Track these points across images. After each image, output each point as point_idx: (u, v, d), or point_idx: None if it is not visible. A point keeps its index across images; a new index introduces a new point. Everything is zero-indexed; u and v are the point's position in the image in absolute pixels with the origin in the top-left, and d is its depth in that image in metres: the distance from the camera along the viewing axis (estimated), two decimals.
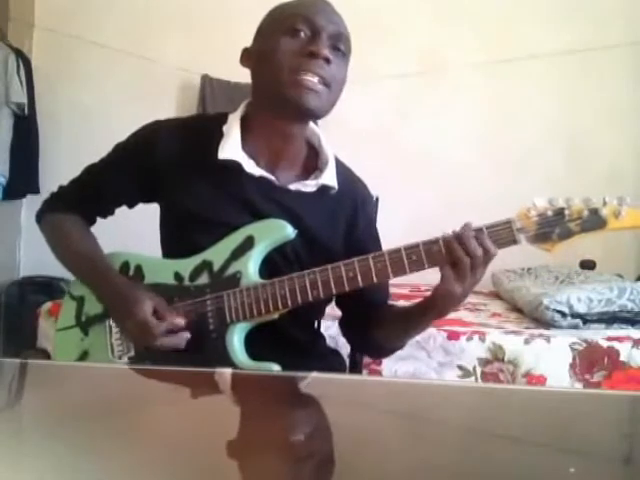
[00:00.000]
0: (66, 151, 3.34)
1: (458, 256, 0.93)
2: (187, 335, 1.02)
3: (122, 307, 1.03)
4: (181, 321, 1.02)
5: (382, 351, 1.25)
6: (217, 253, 1.06)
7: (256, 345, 1.04)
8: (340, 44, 1.03)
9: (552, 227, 0.92)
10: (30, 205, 3.34)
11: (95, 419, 0.67)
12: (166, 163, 1.09)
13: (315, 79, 0.99)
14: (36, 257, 3.27)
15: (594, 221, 0.91)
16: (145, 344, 1.02)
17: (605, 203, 0.91)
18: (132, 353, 1.08)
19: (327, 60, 1.00)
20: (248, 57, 1.09)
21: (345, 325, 1.23)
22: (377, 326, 1.14)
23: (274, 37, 1.02)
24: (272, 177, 1.07)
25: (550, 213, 0.92)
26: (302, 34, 1.00)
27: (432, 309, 1.02)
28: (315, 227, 1.10)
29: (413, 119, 3.43)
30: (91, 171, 1.19)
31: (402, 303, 1.28)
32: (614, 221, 0.90)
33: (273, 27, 1.04)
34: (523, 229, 0.93)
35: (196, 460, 0.56)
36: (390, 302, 1.21)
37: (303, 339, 1.15)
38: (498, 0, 3.42)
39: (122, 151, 1.15)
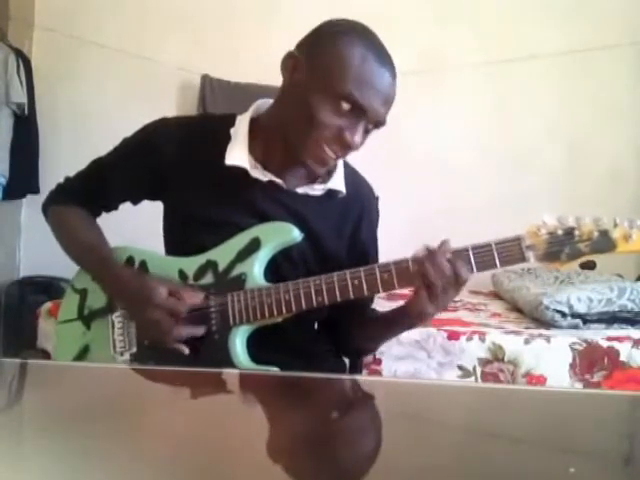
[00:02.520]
0: (66, 151, 3.33)
1: (430, 279, 0.93)
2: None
3: (135, 295, 1.03)
4: (199, 296, 1.02)
5: (358, 352, 1.27)
6: (222, 253, 1.05)
7: (256, 345, 1.04)
8: (374, 129, 1.03)
9: (562, 247, 0.91)
10: (30, 205, 3.34)
11: (94, 419, 0.67)
12: (172, 163, 1.09)
13: (335, 157, 1.03)
14: (36, 257, 3.27)
15: (604, 243, 0.89)
16: (167, 328, 1.00)
17: (616, 225, 0.89)
18: (134, 349, 1.08)
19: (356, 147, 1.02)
20: (294, 68, 1.01)
21: (325, 322, 1.21)
22: (358, 328, 1.16)
23: (324, 93, 0.97)
24: (280, 180, 1.07)
25: (560, 232, 0.91)
26: (347, 110, 0.98)
27: (404, 322, 1.06)
28: (322, 231, 1.10)
29: (413, 119, 3.42)
30: (97, 165, 1.19)
31: (401, 303, 1.28)
32: (624, 244, 0.88)
33: (332, 71, 0.97)
34: (532, 247, 0.91)
35: (197, 460, 0.56)
36: (372, 306, 1.20)
37: (304, 339, 1.15)
38: (498, 0, 3.42)
39: (127, 147, 1.15)
